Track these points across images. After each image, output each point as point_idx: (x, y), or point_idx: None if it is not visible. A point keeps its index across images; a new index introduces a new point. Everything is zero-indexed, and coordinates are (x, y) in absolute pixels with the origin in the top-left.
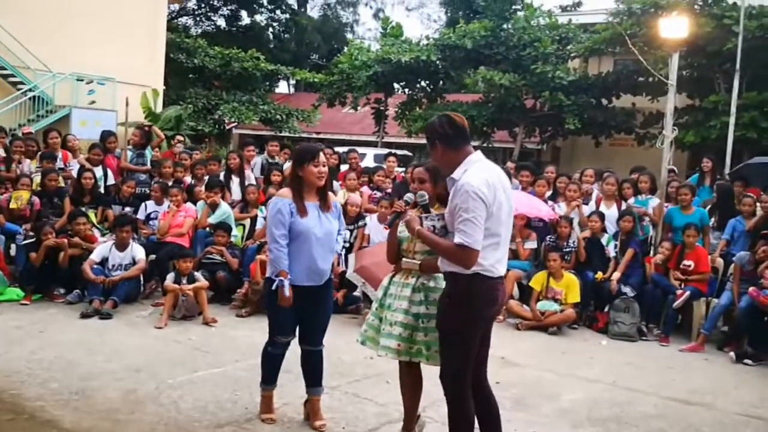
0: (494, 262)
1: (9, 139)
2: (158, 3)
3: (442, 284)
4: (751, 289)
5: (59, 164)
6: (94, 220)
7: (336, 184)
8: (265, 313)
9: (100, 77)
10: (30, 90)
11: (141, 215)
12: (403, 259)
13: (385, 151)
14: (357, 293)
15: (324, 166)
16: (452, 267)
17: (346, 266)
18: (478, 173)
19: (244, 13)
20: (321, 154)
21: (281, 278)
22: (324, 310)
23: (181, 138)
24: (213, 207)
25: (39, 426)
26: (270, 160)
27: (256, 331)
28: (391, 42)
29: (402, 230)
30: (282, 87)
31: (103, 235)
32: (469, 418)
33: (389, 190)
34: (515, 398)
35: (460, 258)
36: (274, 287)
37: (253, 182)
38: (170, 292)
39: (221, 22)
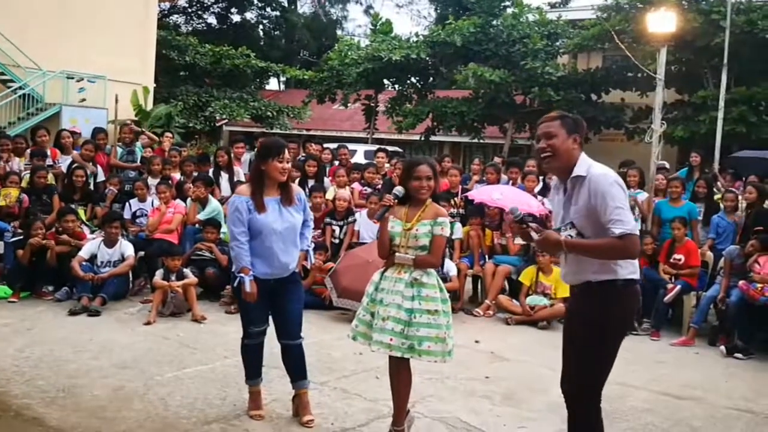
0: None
1: None
2: (149, 1)
3: (435, 280)
4: (741, 282)
5: (48, 161)
6: (83, 217)
7: (326, 180)
8: None
9: (90, 75)
10: (20, 88)
11: (127, 214)
12: (397, 254)
13: (376, 147)
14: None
15: (288, 162)
16: (606, 275)
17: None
18: (605, 167)
19: (234, 11)
20: (286, 151)
21: (242, 275)
22: (294, 303)
23: (170, 135)
24: (202, 203)
25: (25, 423)
26: None
27: None
28: (381, 39)
29: (393, 226)
30: (272, 84)
31: (92, 231)
32: None
33: (379, 186)
34: (505, 393)
35: (626, 249)
36: (235, 284)
37: (243, 179)
38: (159, 288)
39: (212, 20)
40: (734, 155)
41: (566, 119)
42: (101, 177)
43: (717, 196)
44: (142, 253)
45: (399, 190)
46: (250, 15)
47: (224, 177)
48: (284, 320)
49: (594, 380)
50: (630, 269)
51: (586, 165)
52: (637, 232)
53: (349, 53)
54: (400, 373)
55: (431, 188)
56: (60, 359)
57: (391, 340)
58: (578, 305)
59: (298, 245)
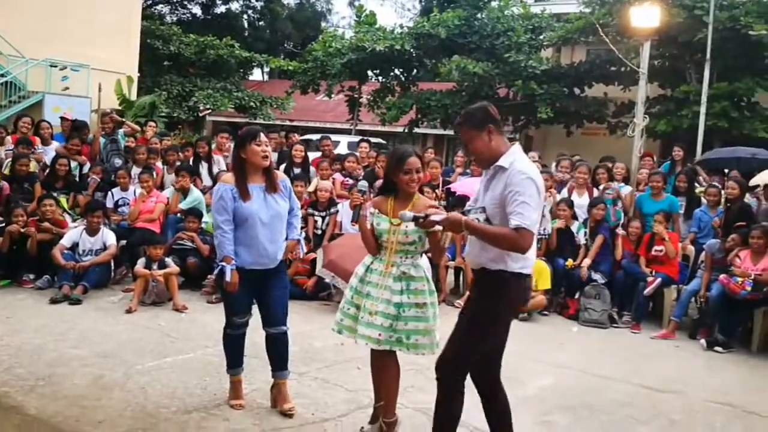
0: (532, 258)
1: None
2: None
3: (423, 273)
4: (721, 276)
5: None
6: (66, 206)
7: (312, 170)
8: None
9: (74, 64)
10: (2, 75)
11: (109, 203)
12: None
13: (359, 138)
14: (327, 281)
15: (267, 145)
16: (497, 264)
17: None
18: (529, 164)
19: (219, 2)
20: (261, 134)
21: (224, 264)
22: (279, 291)
23: (153, 124)
24: (184, 192)
25: (3, 412)
26: None
27: None
28: (365, 30)
29: (379, 222)
30: (256, 74)
31: (74, 220)
32: (455, 416)
33: (361, 177)
34: None
35: (516, 241)
36: (217, 273)
37: (224, 168)
38: (141, 277)
39: (197, 10)
40: (704, 157)
41: (470, 119)
42: (87, 167)
43: (699, 190)
44: (124, 242)
45: (363, 185)
46: (234, 5)
47: (204, 167)
48: (269, 308)
49: (464, 358)
50: (521, 263)
51: (511, 158)
52: (534, 231)
53: (333, 44)
54: (388, 366)
55: (420, 180)
56: (40, 348)
57: (379, 335)
58: (474, 289)
59: (284, 234)
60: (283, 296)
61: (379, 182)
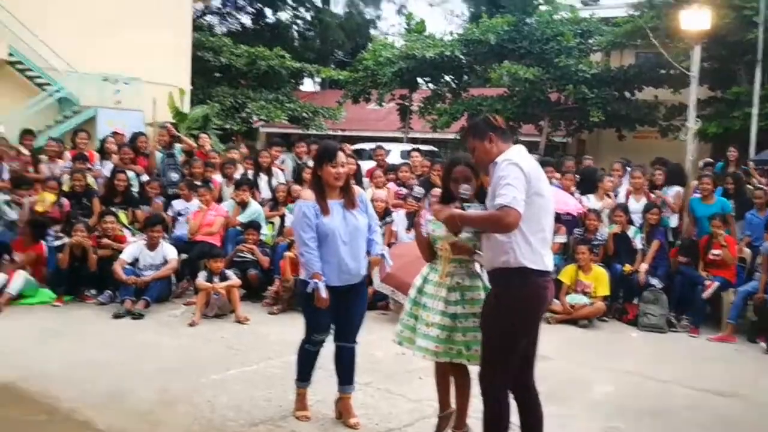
0: (543, 255)
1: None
2: (183, 2)
3: (479, 283)
4: None
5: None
6: (125, 221)
7: (366, 180)
8: (297, 310)
9: (126, 77)
10: (56, 91)
11: (171, 213)
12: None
13: (411, 146)
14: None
15: (343, 166)
16: (501, 258)
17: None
18: (520, 155)
19: (268, 12)
20: (339, 153)
21: (315, 281)
22: (359, 308)
23: (207, 136)
24: (243, 205)
25: (75, 427)
26: (299, 162)
27: (288, 328)
28: (414, 38)
29: (433, 229)
30: (307, 84)
31: (133, 235)
32: (503, 420)
33: (415, 186)
34: (547, 392)
35: (500, 220)
36: (309, 289)
37: (282, 180)
38: (202, 290)
39: (246, 21)
40: (758, 158)
41: (474, 129)
42: (145, 177)
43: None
44: (184, 255)
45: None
46: (284, 15)
47: (263, 179)
48: (347, 323)
49: (493, 365)
50: (530, 259)
51: (505, 155)
52: (517, 207)
53: (384, 52)
54: (457, 377)
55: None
56: (105, 363)
57: (436, 347)
58: (491, 291)
59: (364, 249)
60: (362, 313)
61: (435, 191)
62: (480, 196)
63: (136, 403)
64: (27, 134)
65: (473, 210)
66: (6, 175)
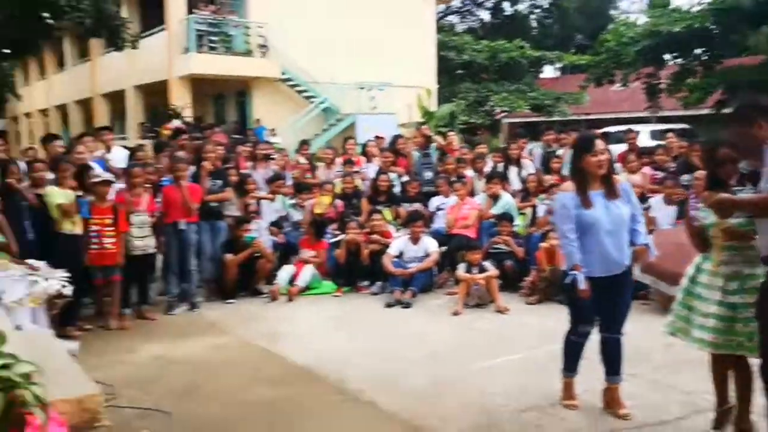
0: None
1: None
2: (427, 5)
3: (759, 270)
4: None
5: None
6: (389, 218)
7: (617, 166)
8: (554, 300)
9: (379, 83)
10: (321, 102)
11: (431, 208)
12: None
13: (661, 126)
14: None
15: (602, 153)
16: None
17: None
18: None
19: (506, 5)
20: (597, 141)
21: (575, 272)
22: (624, 299)
23: (453, 133)
24: (495, 198)
25: (364, 407)
26: (547, 149)
27: (548, 318)
28: (659, 13)
29: (704, 216)
30: (547, 71)
31: (396, 230)
32: None
33: (672, 169)
34: None
35: None
36: (568, 281)
37: (532, 171)
38: (463, 281)
39: (485, 16)
40: None
41: (738, 116)
42: (405, 178)
43: None
44: (443, 248)
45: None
46: (521, 6)
47: (513, 171)
48: (612, 314)
49: None
50: None
51: None
52: None
53: (626, 32)
54: (737, 370)
55: (735, 171)
56: (381, 348)
57: (714, 338)
58: (767, 278)
59: (627, 239)
60: (628, 304)
61: (699, 173)
62: (751, 178)
63: (409, 387)
64: (304, 144)
65: (744, 195)
66: (290, 182)
